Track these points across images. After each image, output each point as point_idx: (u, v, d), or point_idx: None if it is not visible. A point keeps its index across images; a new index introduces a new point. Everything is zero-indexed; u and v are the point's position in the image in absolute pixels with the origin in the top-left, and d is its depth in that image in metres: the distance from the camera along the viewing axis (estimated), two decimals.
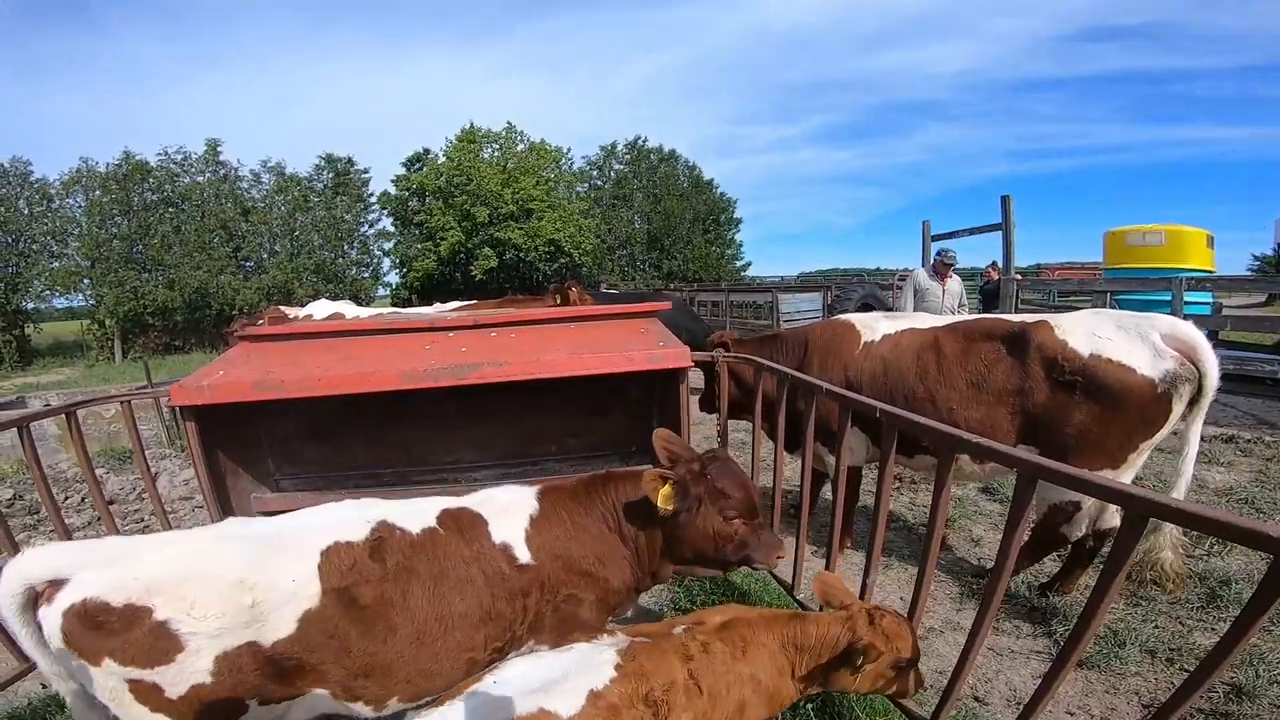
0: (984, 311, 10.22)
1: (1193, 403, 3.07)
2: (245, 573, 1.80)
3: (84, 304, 25.95)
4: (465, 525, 2.16)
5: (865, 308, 12.77)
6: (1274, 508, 4.65)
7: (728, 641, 1.91)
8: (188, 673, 1.74)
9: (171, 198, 26.15)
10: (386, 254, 33.34)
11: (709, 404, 4.54)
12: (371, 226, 32.24)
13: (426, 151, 34.65)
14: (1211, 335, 3.24)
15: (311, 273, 27.54)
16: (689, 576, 3.48)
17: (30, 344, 25.34)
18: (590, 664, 1.72)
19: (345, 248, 30.52)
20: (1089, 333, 3.18)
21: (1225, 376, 3.13)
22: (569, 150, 36.51)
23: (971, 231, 10.78)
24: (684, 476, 2.27)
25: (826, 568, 2.87)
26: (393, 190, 34.10)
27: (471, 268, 32.44)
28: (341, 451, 3.76)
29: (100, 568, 1.73)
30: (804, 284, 25.64)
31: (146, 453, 3.66)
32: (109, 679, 1.71)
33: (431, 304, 7.10)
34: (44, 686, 2.96)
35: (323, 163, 30.51)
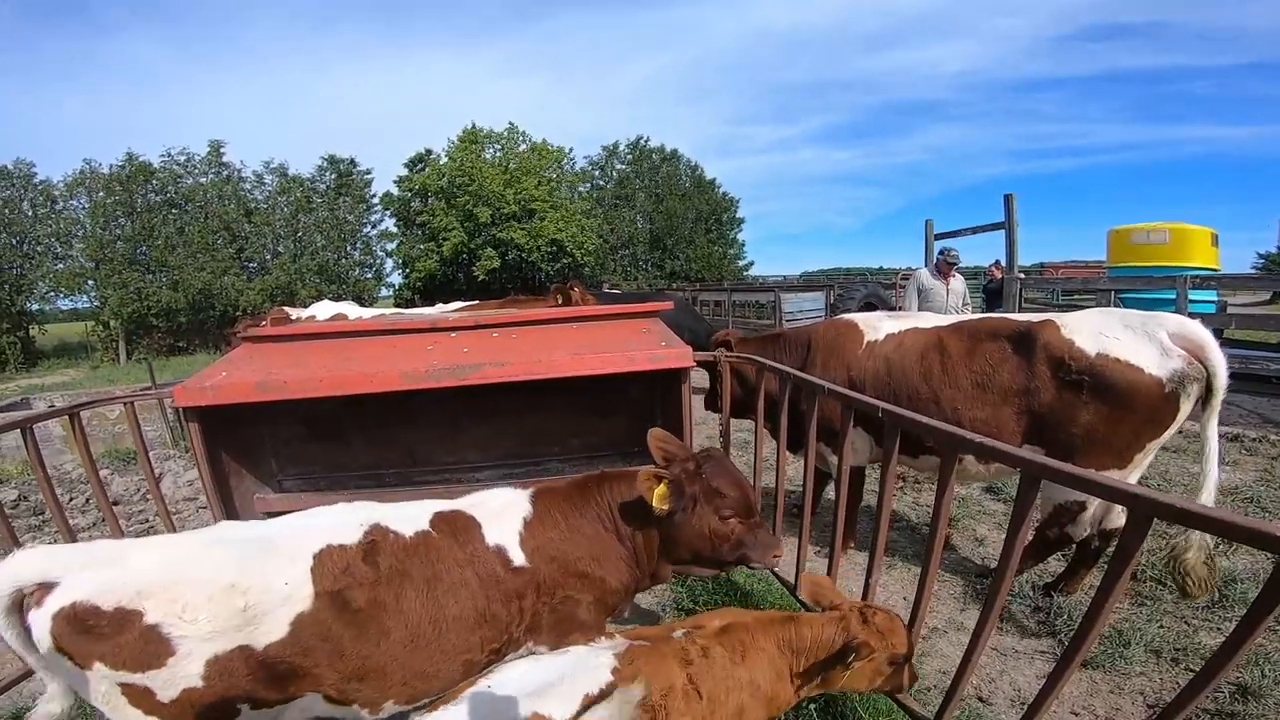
0: (987, 310, 10.20)
1: (1205, 402, 3.04)
2: (237, 576, 1.79)
3: (88, 305, 26.03)
4: (459, 528, 2.15)
5: (868, 307, 12.76)
6: (1279, 507, 4.63)
7: (728, 646, 1.91)
8: (179, 677, 1.72)
9: (175, 199, 26.21)
10: (389, 255, 33.43)
11: (714, 403, 4.54)
12: (374, 227, 32.35)
13: (429, 152, 34.72)
14: (1216, 334, 3.22)
15: (314, 274, 27.60)
16: (691, 576, 3.48)
17: (35, 345, 25.42)
18: (586, 668, 1.72)
19: (348, 248, 30.57)
20: (1096, 332, 3.16)
21: (1231, 375, 3.10)
22: (571, 150, 36.56)
23: (975, 230, 10.76)
24: (679, 476, 2.26)
25: (829, 568, 2.86)
26: (395, 191, 34.18)
27: (474, 268, 32.48)
28: (344, 452, 3.77)
29: (90, 570, 1.72)
30: (807, 283, 25.63)
31: (150, 453, 3.67)
32: (100, 683, 1.70)
33: (434, 304, 7.11)
34: None
35: (325, 164, 30.59)
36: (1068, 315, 3.37)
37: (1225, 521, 1.36)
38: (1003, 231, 10.04)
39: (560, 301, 5.66)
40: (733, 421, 4.14)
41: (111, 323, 24.51)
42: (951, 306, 7.17)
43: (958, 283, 7.35)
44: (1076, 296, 18.04)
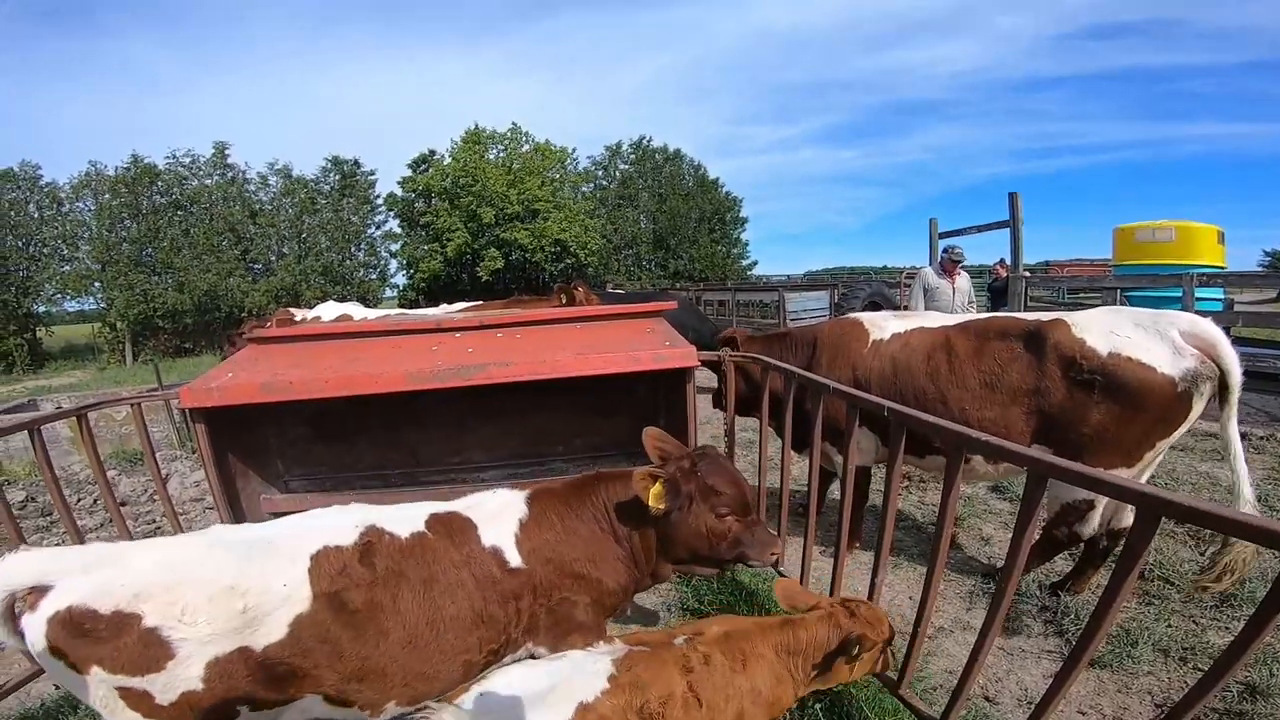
0: (992, 309, 10.18)
1: (1223, 401, 3.01)
2: (236, 577, 1.78)
3: (94, 307, 26.17)
4: (454, 529, 2.15)
5: (872, 306, 12.74)
6: None
7: (728, 654, 1.91)
8: (179, 680, 1.71)
9: (180, 200, 26.34)
10: (393, 255, 33.57)
11: (721, 402, 4.52)
12: (378, 228, 32.50)
13: (432, 153, 34.83)
14: (1223, 332, 3.20)
15: (319, 274, 27.70)
16: (695, 576, 3.48)
17: (42, 347, 25.58)
18: (582, 674, 1.71)
19: (352, 249, 30.69)
20: (1107, 331, 3.13)
21: None
22: (574, 150, 36.62)
23: (979, 229, 10.75)
24: (674, 474, 2.25)
25: (834, 567, 2.86)
26: (399, 192, 34.30)
27: (478, 268, 32.56)
28: (349, 452, 3.78)
29: (85, 574, 1.70)
30: (810, 283, 25.59)
31: (157, 454, 3.68)
32: (98, 687, 1.69)
33: (438, 305, 7.12)
34: (56, 688, 2.99)
35: (329, 165, 30.71)
36: (1078, 314, 3.34)
37: (1237, 520, 1.36)
38: (1007, 230, 10.02)
39: (564, 301, 5.67)
40: (738, 420, 4.14)
41: (118, 324, 24.64)
42: (957, 305, 7.12)
43: (963, 281, 7.30)
44: (1082, 295, 17.99)
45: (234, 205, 26.85)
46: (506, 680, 1.69)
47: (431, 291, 32.36)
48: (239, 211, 26.77)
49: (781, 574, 3.49)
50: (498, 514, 2.24)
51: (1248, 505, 2.98)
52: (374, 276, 31.67)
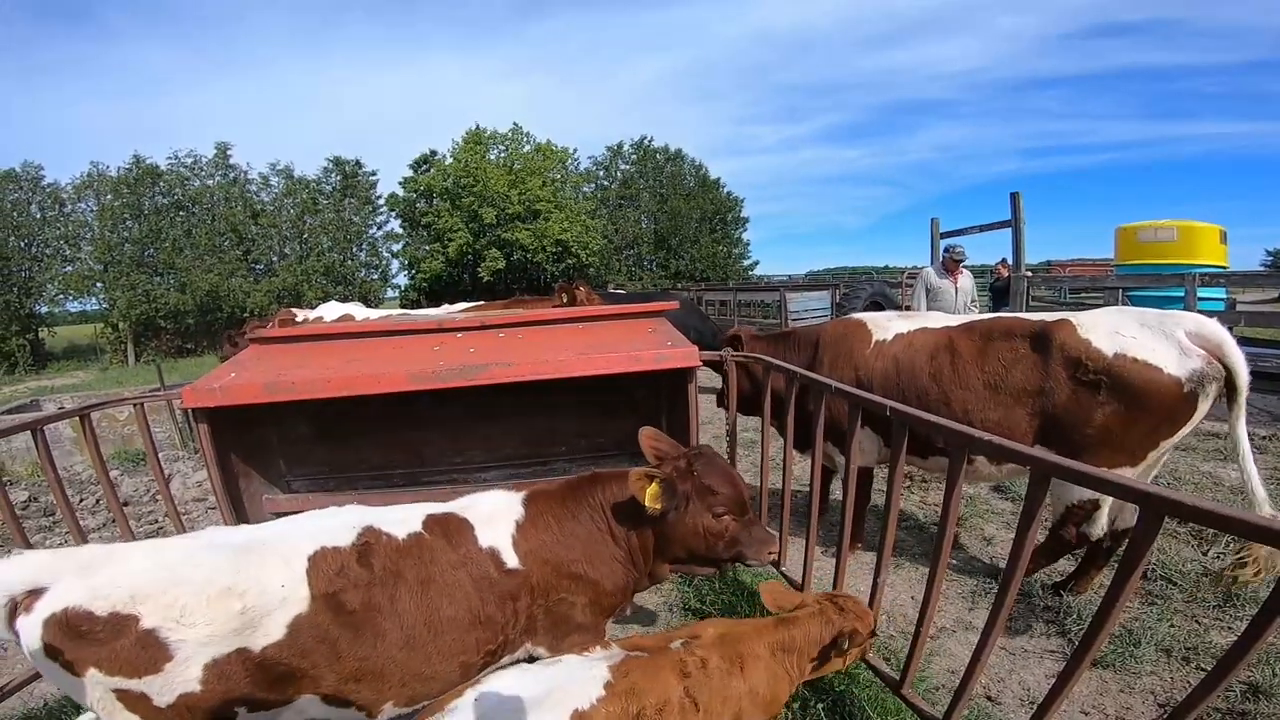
0: (994, 309, 10.16)
1: (1231, 401, 3.01)
2: (234, 579, 1.78)
3: (97, 307, 26.21)
4: (451, 530, 2.15)
5: (874, 306, 12.71)
6: None
7: (725, 656, 1.91)
8: (177, 681, 1.71)
9: (182, 201, 26.39)
10: (395, 256, 33.60)
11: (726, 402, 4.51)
12: (380, 228, 32.53)
13: (433, 153, 34.87)
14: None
15: (321, 275, 27.73)
16: (697, 577, 3.48)
17: (44, 347, 25.63)
18: (578, 680, 1.70)
19: (354, 250, 30.72)
20: (1113, 331, 3.12)
21: None
22: (575, 151, 36.61)
23: (981, 228, 10.74)
24: (670, 474, 2.25)
25: (837, 567, 2.86)
26: (400, 192, 34.33)
27: (479, 269, 32.58)
28: (352, 452, 3.78)
29: (81, 575, 1.70)
30: (812, 283, 25.56)
31: (160, 455, 3.69)
32: (95, 689, 1.68)
33: (440, 305, 7.12)
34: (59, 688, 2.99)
35: (331, 165, 30.75)
36: (1082, 314, 3.33)
37: (1241, 520, 1.35)
38: (1009, 229, 10.00)
39: (564, 300, 5.67)
40: (741, 420, 4.13)
41: (120, 325, 24.68)
42: (960, 305, 7.09)
43: (966, 280, 7.25)
44: (1084, 294, 17.95)
45: (236, 206, 26.89)
46: (500, 687, 1.68)
47: (433, 292, 32.40)
48: (241, 212, 26.81)
49: (784, 574, 3.50)
50: (494, 515, 2.25)
51: (1266, 506, 2.97)
52: (375, 277, 31.72)
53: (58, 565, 1.72)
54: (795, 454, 3.73)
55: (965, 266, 7.33)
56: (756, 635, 2.03)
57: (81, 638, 1.64)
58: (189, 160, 26.78)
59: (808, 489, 3.20)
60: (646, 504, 2.18)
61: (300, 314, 6.79)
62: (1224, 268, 12.23)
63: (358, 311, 6.50)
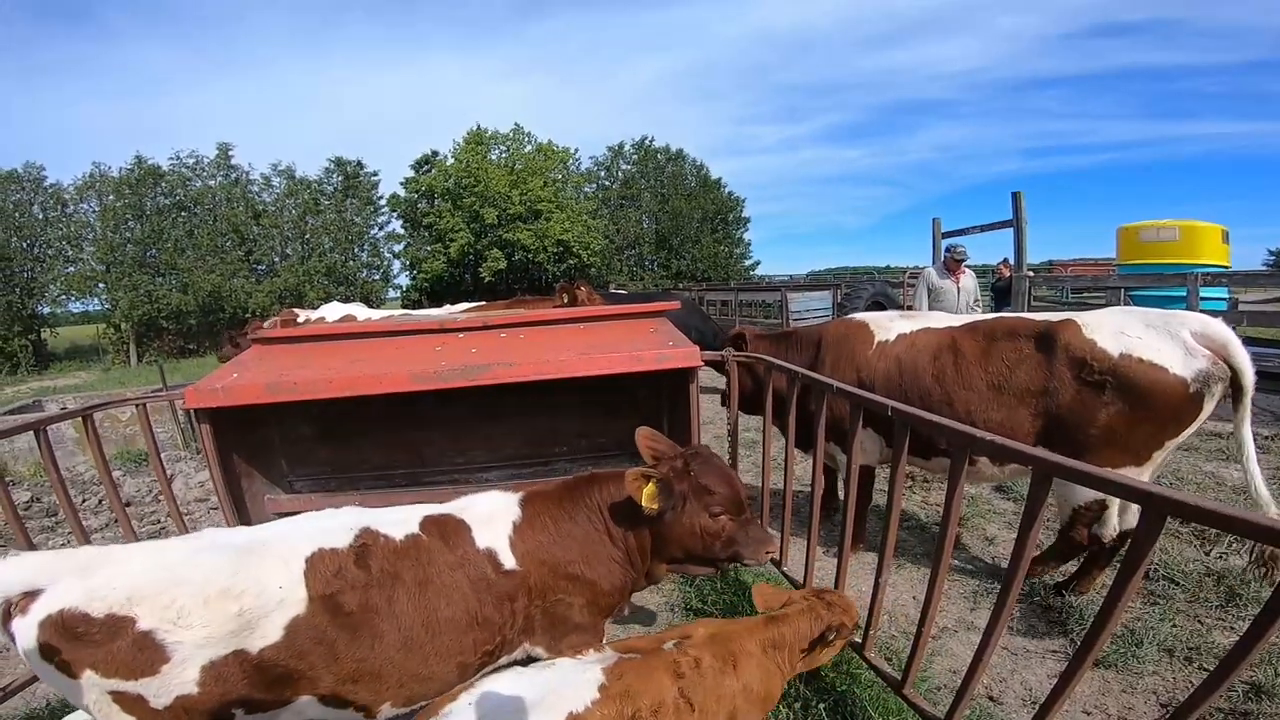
0: (996, 309, 10.15)
1: (1236, 402, 3.00)
2: (231, 580, 1.78)
3: (99, 308, 26.22)
4: (448, 532, 2.15)
5: (876, 306, 12.70)
6: None
7: (718, 656, 1.92)
8: (174, 683, 1.71)
9: (184, 202, 26.38)
10: (396, 256, 33.57)
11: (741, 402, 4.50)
12: (381, 229, 32.50)
13: (435, 154, 34.86)
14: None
15: (322, 275, 27.72)
16: (698, 576, 3.48)
17: (46, 348, 25.64)
18: (572, 684, 1.70)
19: (355, 250, 30.71)
20: (1118, 331, 3.11)
21: None
22: (576, 151, 36.60)
23: (983, 228, 10.71)
24: (667, 474, 2.26)
25: (838, 567, 2.86)
26: (402, 192, 34.32)
27: (480, 269, 32.57)
28: (353, 452, 3.79)
29: (77, 577, 1.69)
30: (813, 283, 25.55)
31: (162, 455, 3.69)
32: (91, 691, 1.67)
33: (442, 306, 7.13)
34: None
35: (332, 166, 30.72)
36: (1087, 314, 3.31)
37: (1244, 520, 1.35)
38: (1011, 229, 9.99)
39: (566, 301, 5.67)
40: (742, 420, 4.13)
41: (122, 325, 24.69)
42: (962, 305, 7.06)
43: (968, 280, 7.22)
44: (1086, 294, 17.93)
45: (237, 206, 26.88)
46: (494, 691, 1.68)
47: (434, 292, 32.39)
48: (242, 212, 26.80)
49: (785, 574, 3.50)
50: (492, 516, 2.25)
51: (1271, 508, 2.98)
52: (377, 277, 31.69)
53: (54, 566, 1.71)
54: (797, 454, 3.73)
55: (967, 266, 7.30)
56: (748, 633, 2.05)
57: (77, 639, 1.64)
58: (191, 161, 26.80)
59: (809, 489, 3.20)
60: (643, 504, 2.18)
61: (302, 314, 6.80)
62: (1226, 267, 12.21)
63: (360, 312, 6.50)
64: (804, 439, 3.59)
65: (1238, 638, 1.40)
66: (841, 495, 4.23)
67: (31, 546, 2.93)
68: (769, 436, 3.60)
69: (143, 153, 25.93)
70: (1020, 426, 3.28)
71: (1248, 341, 3.08)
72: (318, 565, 1.91)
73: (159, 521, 5.62)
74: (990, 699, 2.83)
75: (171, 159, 26.46)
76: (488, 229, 32.01)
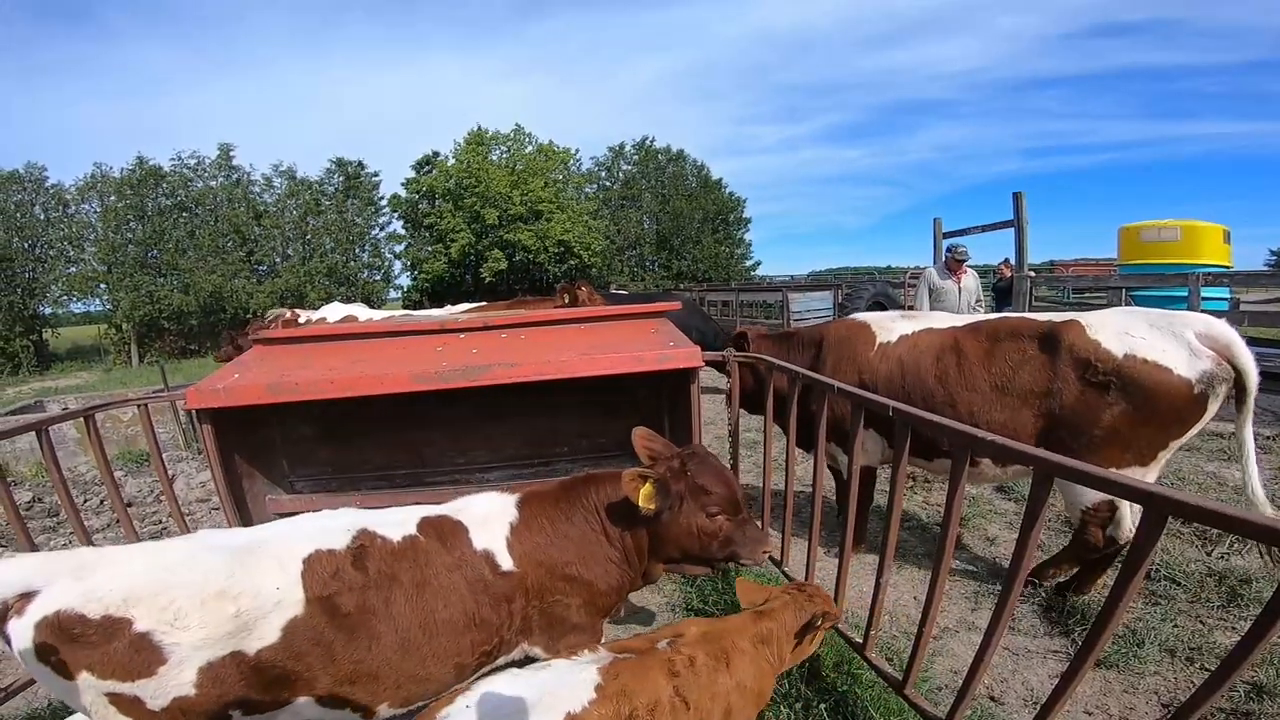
0: (997, 309, 10.13)
1: (1239, 403, 3.00)
2: (228, 582, 1.78)
3: (100, 308, 26.24)
4: (446, 533, 2.15)
5: (877, 306, 12.70)
6: None
7: (711, 653, 1.93)
8: (171, 685, 1.70)
9: (185, 202, 26.38)
10: (397, 257, 33.55)
11: (740, 400, 4.49)
12: (382, 229, 32.46)
13: (436, 154, 34.82)
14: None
15: (324, 276, 27.72)
16: (699, 576, 3.48)
17: (48, 348, 25.66)
18: (568, 684, 1.70)
19: (357, 251, 30.71)
20: (1122, 332, 3.10)
21: None
22: (577, 151, 36.56)
23: (984, 228, 10.70)
24: (664, 474, 2.26)
25: (839, 567, 2.86)
26: (403, 193, 34.29)
27: (481, 270, 32.56)
28: (355, 453, 3.79)
29: (73, 578, 1.69)
30: (814, 283, 25.54)
31: (163, 455, 3.70)
32: (88, 693, 1.67)
33: (443, 306, 7.13)
34: None
35: (333, 166, 30.71)
36: (1091, 315, 3.30)
37: (1244, 520, 1.35)
38: (1012, 229, 9.97)
39: (567, 301, 5.68)
40: (744, 420, 4.13)
41: (124, 326, 24.70)
42: (964, 305, 7.01)
43: (970, 279, 7.16)
44: (1087, 294, 17.94)
45: (239, 207, 26.88)
46: (491, 692, 1.68)
47: (435, 293, 32.38)
48: (244, 213, 26.80)
49: (786, 574, 3.50)
50: (489, 517, 2.25)
51: (1267, 508, 2.99)
52: (378, 278, 31.68)
53: (50, 568, 1.71)
54: (799, 454, 3.73)
55: (969, 266, 7.27)
56: (739, 630, 2.06)
57: (74, 641, 1.63)
58: (192, 161, 26.78)
59: (811, 489, 3.20)
60: (640, 504, 2.19)
61: (303, 315, 6.81)
62: (1227, 267, 12.21)
63: (361, 313, 6.51)
64: (805, 439, 3.59)
65: (1239, 638, 1.40)
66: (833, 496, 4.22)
67: (33, 547, 2.94)
68: (770, 437, 3.60)
69: (144, 153, 25.96)
70: (1023, 428, 3.27)
71: (1249, 342, 3.08)
72: (315, 567, 1.91)
73: (160, 522, 5.62)
74: (992, 699, 2.83)
75: (173, 159, 26.49)
76: (489, 229, 32.00)
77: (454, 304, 6.88)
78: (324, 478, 3.76)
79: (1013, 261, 10.40)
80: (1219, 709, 2.61)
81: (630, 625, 3.41)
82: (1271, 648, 2.81)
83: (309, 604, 1.86)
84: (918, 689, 2.46)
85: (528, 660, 2.23)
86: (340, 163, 30.87)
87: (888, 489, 2.51)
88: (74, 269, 24.76)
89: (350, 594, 1.92)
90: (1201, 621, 3.23)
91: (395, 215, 33.72)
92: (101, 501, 6.13)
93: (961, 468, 2.11)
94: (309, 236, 28.61)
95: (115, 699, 1.69)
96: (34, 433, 2.98)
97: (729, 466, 3.76)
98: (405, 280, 34.74)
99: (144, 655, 1.67)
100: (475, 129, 33.80)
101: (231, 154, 27.48)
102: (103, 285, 24.79)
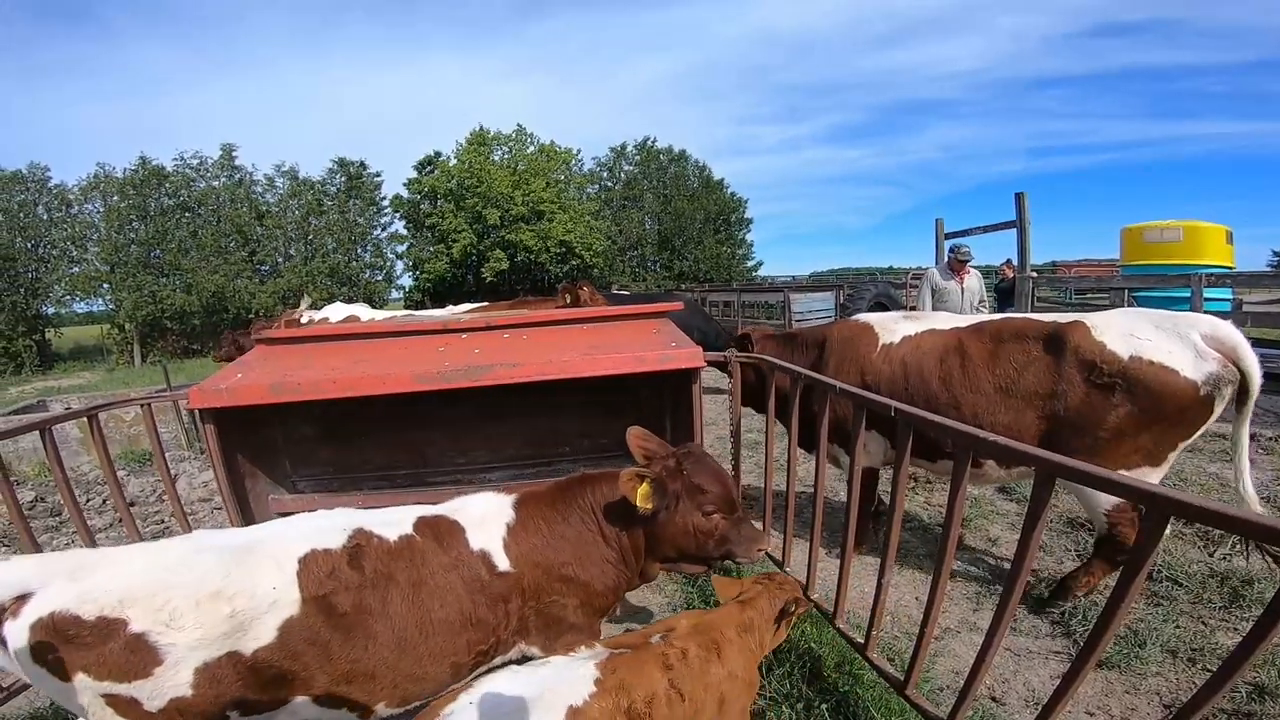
0: (999, 310, 10.12)
1: (1239, 404, 2.99)
2: (223, 582, 1.78)
3: (103, 308, 26.29)
4: (442, 533, 2.16)
5: (878, 307, 12.69)
6: None
7: (702, 645, 1.97)
8: (167, 686, 1.71)
9: (188, 202, 26.41)
10: (399, 257, 33.57)
11: (746, 400, 4.48)
12: (384, 229, 32.48)
13: (437, 154, 34.84)
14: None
15: (326, 276, 27.74)
16: (702, 576, 3.48)
17: (51, 348, 25.72)
18: (568, 679, 1.72)
19: (358, 251, 30.74)
20: (1128, 333, 3.09)
21: None
22: (579, 152, 36.57)
23: (986, 229, 10.70)
24: (660, 474, 2.26)
25: (841, 568, 2.86)
26: (405, 193, 34.32)
27: (483, 270, 32.58)
28: (356, 453, 3.79)
29: (68, 580, 1.69)
30: (816, 284, 25.52)
31: (166, 455, 3.70)
32: (84, 694, 1.67)
33: (444, 306, 7.14)
34: None
35: (335, 167, 30.73)
36: (1095, 316, 3.29)
37: (1245, 521, 1.35)
38: (1014, 230, 9.97)
39: (568, 300, 5.67)
40: (745, 420, 4.13)
41: (126, 326, 24.75)
42: (967, 305, 6.97)
43: (973, 280, 7.12)
44: (1090, 295, 17.90)
45: (241, 207, 26.91)
46: (494, 689, 1.69)
47: (437, 293, 32.40)
48: (246, 213, 26.82)
49: (787, 574, 3.49)
50: (485, 517, 2.25)
51: (1256, 504, 3.02)
52: (380, 278, 31.69)
53: (45, 569, 1.71)
54: (800, 454, 3.73)
55: (972, 265, 7.24)
56: (725, 620, 2.11)
57: (69, 642, 1.63)
58: (195, 162, 26.80)
59: (812, 489, 3.20)
60: (638, 504, 2.20)
61: (305, 314, 6.82)
62: (1230, 268, 12.17)
63: (363, 313, 6.51)
64: (808, 440, 3.59)
65: (1241, 639, 1.40)
66: (837, 498, 4.21)
67: (36, 546, 2.94)
68: (772, 438, 3.60)
69: (147, 153, 26.00)
70: (1028, 429, 3.25)
71: (1251, 343, 3.07)
72: (311, 566, 1.92)
73: (163, 521, 5.63)
74: (993, 699, 2.83)
75: (176, 160, 26.52)
76: (490, 230, 32.03)
77: (456, 304, 6.88)
78: (326, 477, 3.76)
79: (1015, 262, 10.39)
80: (1220, 710, 2.61)
81: (629, 625, 3.41)
82: (1273, 648, 2.81)
83: (305, 603, 1.87)
84: (919, 689, 2.46)
85: (525, 660, 2.23)
86: (342, 163, 30.88)
87: (890, 490, 2.51)
88: (77, 269, 24.81)
89: (346, 593, 1.92)
90: (1203, 622, 3.23)
91: (397, 215, 33.76)
92: (104, 501, 6.13)
93: (964, 468, 2.11)
94: (311, 237, 28.63)
95: (112, 700, 1.69)
96: (37, 432, 3.00)
97: (731, 467, 3.78)
98: (407, 280, 34.80)
99: (140, 656, 1.67)
100: (477, 129, 33.84)
101: (234, 154, 27.54)
102: (105, 285, 24.83)
